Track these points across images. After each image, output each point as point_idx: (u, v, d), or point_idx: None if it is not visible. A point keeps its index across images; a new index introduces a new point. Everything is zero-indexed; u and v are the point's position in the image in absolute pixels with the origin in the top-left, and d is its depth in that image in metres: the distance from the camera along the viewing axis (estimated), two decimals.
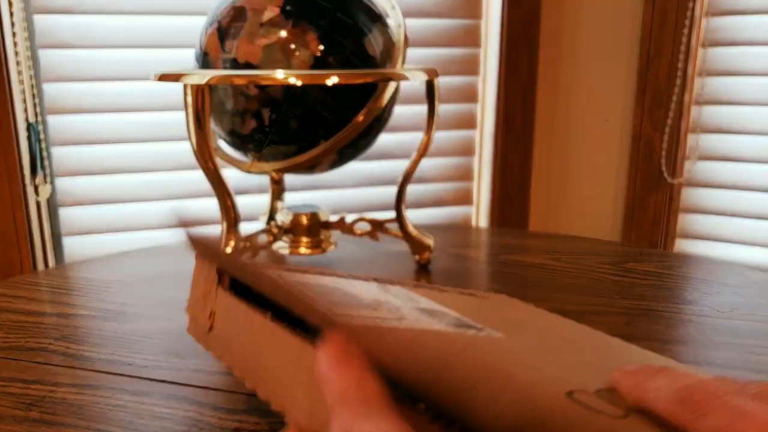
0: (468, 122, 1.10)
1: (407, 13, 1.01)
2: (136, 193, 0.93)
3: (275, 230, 0.58)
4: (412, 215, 0.61)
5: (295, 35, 0.49)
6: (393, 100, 0.55)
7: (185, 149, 0.93)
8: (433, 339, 0.25)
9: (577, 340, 0.33)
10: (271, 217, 0.66)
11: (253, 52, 0.49)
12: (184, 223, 0.27)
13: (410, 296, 0.33)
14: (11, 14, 0.82)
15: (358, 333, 0.20)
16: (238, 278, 0.25)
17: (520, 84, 1.07)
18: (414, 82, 0.52)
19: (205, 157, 0.48)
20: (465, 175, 1.12)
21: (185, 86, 0.46)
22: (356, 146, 0.54)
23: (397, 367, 0.19)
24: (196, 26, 0.55)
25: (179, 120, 0.93)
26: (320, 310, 0.21)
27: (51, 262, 0.92)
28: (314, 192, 1.02)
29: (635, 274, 0.59)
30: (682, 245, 1.09)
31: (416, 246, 0.60)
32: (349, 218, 0.62)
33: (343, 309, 0.26)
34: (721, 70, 1.01)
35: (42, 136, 0.87)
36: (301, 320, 0.26)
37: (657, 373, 0.22)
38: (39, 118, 0.87)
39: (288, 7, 0.49)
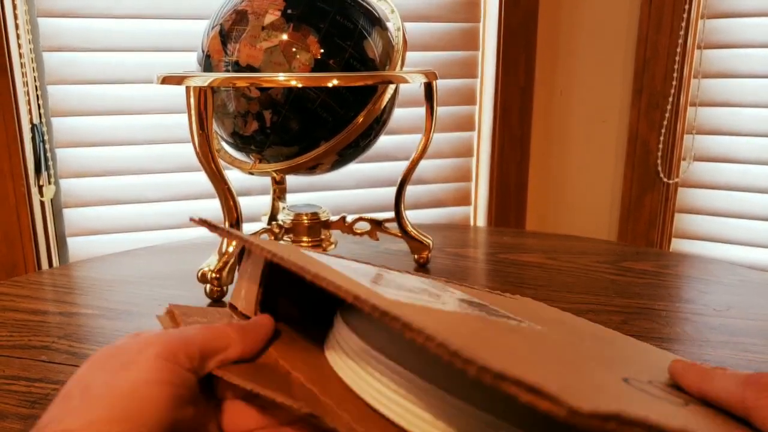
0: (466, 124, 1.11)
1: (406, 17, 1.02)
2: (140, 194, 0.93)
3: (277, 230, 0.59)
4: (411, 215, 0.62)
5: (296, 38, 0.50)
6: (392, 102, 0.56)
7: (188, 151, 0.93)
8: (479, 322, 0.24)
9: (611, 341, 0.33)
10: (273, 217, 0.66)
11: (254, 55, 0.50)
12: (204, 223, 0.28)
13: (445, 288, 0.34)
14: (16, 17, 0.83)
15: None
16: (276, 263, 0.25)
17: (518, 86, 1.08)
18: (413, 84, 0.53)
19: (208, 159, 0.49)
20: (463, 176, 1.12)
21: (188, 88, 0.47)
22: (356, 147, 0.55)
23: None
24: (198, 30, 0.56)
25: (182, 122, 0.93)
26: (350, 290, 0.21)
27: (55, 263, 0.93)
28: (315, 192, 1.03)
29: (632, 273, 0.60)
30: (678, 245, 1.10)
31: (415, 245, 0.61)
32: (350, 218, 0.62)
33: (387, 288, 0.26)
34: (716, 71, 1.02)
35: (46, 138, 0.88)
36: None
37: (716, 368, 0.24)
38: (43, 120, 0.88)
39: (289, 11, 0.50)
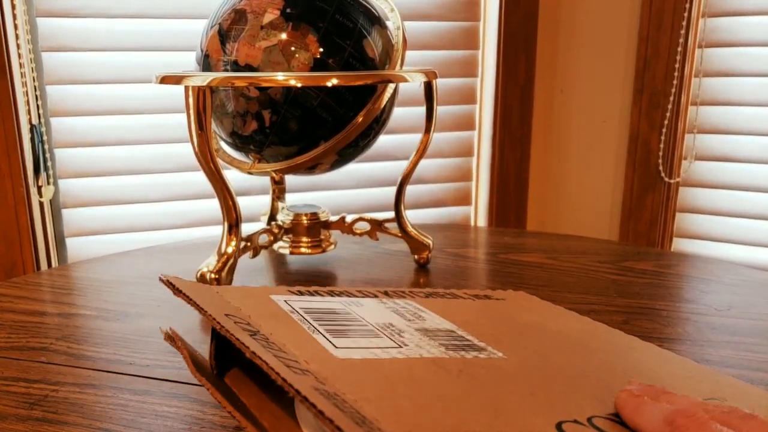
0: (466, 123, 1.11)
1: (406, 16, 1.02)
2: (138, 194, 0.93)
3: (276, 230, 0.59)
4: (411, 215, 0.62)
5: (295, 37, 0.49)
6: (392, 101, 0.56)
7: (187, 151, 0.94)
8: (429, 370, 0.25)
9: (589, 344, 0.33)
10: (272, 217, 0.66)
11: (253, 55, 0.50)
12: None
13: (417, 313, 0.34)
14: (15, 17, 0.83)
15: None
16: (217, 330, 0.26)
17: (518, 85, 1.08)
18: (413, 83, 0.53)
19: (207, 159, 0.49)
20: (464, 175, 1.12)
21: (186, 88, 0.47)
22: (356, 147, 0.55)
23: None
24: (196, 29, 0.56)
25: (180, 122, 0.93)
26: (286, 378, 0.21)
27: (54, 263, 0.93)
28: (315, 192, 1.03)
29: (633, 273, 0.59)
30: (680, 245, 1.10)
31: (415, 245, 0.61)
32: (349, 218, 0.62)
33: (345, 338, 0.27)
34: (717, 70, 1.02)
35: (45, 138, 0.88)
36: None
37: (656, 397, 0.24)
38: (42, 120, 0.88)
39: (288, 10, 0.50)
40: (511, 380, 0.26)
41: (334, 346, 0.26)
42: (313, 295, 0.34)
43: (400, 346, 0.28)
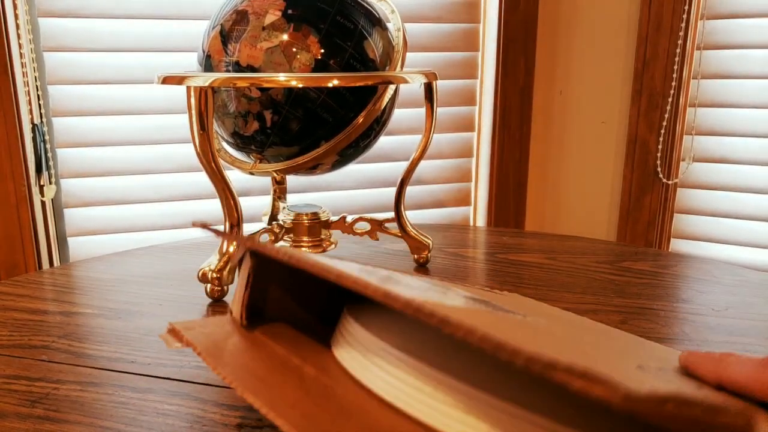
0: (466, 125, 1.11)
1: (406, 18, 1.02)
2: (140, 194, 0.94)
3: (277, 230, 0.59)
4: (411, 216, 0.62)
5: (297, 38, 0.50)
6: (392, 102, 0.56)
7: (188, 151, 0.94)
8: (491, 316, 0.24)
9: (605, 333, 0.33)
10: (273, 217, 0.66)
11: (255, 55, 0.50)
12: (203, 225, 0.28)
13: (443, 287, 0.34)
14: (16, 17, 0.83)
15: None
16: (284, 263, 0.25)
17: (518, 87, 1.08)
18: (413, 84, 0.53)
19: (208, 159, 0.49)
20: (463, 176, 1.12)
21: (188, 88, 0.47)
22: (357, 147, 0.55)
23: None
24: (199, 30, 0.56)
25: (182, 122, 0.94)
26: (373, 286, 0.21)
27: (56, 262, 0.93)
28: (315, 193, 1.03)
29: (631, 273, 0.60)
30: (677, 245, 1.10)
31: (415, 245, 0.61)
32: (350, 218, 0.63)
33: (403, 287, 0.25)
34: (716, 72, 1.02)
35: (47, 138, 0.88)
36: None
37: (727, 354, 0.24)
38: (44, 120, 0.88)
39: (289, 11, 0.50)
40: (568, 338, 0.25)
41: (402, 288, 0.24)
42: (341, 260, 0.33)
43: (452, 302, 0.26)
